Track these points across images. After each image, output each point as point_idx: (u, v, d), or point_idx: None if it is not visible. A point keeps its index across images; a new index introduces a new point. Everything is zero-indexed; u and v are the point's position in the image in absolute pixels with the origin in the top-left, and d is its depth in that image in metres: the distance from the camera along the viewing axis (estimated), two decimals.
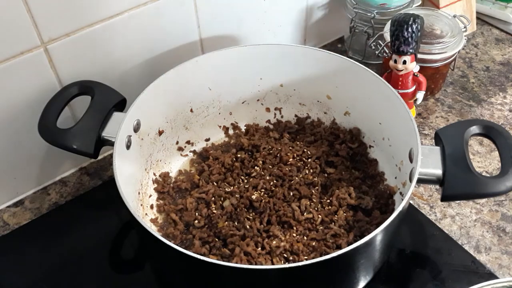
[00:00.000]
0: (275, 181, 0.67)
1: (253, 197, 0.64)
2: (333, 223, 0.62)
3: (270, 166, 0.69)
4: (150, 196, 0.68)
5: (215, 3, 0.74)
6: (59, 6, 0.61)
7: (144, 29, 0.70)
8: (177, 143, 0.74)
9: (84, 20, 0.64)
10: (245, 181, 0.68)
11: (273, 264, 0.58)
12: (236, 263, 0.57)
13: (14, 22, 0.59)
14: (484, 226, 0.67)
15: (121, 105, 0.66)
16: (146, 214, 0.66)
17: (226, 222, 0.63)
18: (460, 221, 0.68)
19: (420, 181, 0.55)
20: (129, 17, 0.67)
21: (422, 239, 0.66)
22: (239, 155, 0.71)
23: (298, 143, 0.73)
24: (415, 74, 0.75)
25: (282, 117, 0.78)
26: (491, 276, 0.62)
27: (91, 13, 0.64)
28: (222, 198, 0.65)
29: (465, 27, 0.83)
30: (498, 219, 0.68)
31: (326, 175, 0.69)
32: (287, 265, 0.51)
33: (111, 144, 0.61)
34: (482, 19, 1.01)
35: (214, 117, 0.76)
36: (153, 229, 0.50)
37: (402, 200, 0.52)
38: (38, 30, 0.61)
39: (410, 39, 0.69)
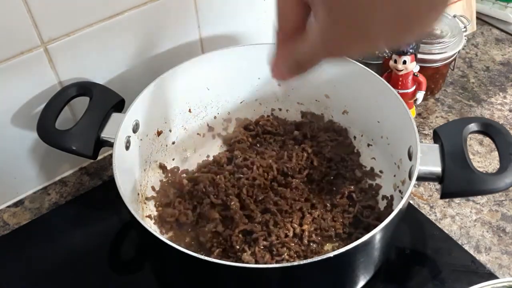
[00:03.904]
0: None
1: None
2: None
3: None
4: (149, 196, 0.68)
5: (215, 3, 0.74)
6: (59, 6, 0.61)
7: (144, 29, 0.70)
8: (173, 143, 0.74)
9: (84, 20, 0.64)
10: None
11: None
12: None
13: (14, 22, 0.59)
14: (484, 226, 0.67)
15: (119, 106, 0.66)
16: (145, 215, 0.66)
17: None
18: (460, 221, 0.68)
19: (419, 178, 0.55)
20: (129, 17, 0.67)
21: (422, 239, 0.66)
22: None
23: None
24: (415, 74, 0.75)
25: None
26: (491, 276, 0.61)
27: (91, 13, 0.64)
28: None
29: (465, 27, 0.83)
30: (498, 219, 0.68)
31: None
32: (287, 264, 0.51)
33: (110, 145, 0.61)
34: (482, 19, 1.01)
35: (212, 117, 0.76)
36: (153, 229, 0.50)
37: (402, 198, 0.52)
38: (38, 30, 0.61)
39: None
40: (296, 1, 0.33)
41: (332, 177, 0.68)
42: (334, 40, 0.31)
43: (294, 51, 0.34)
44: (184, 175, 0.71)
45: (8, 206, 0.73)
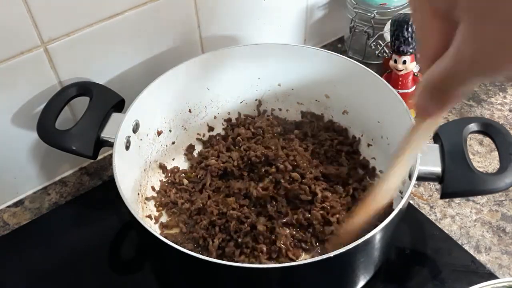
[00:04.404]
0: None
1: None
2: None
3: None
4: (149, 196, 0.68)
5: (215, 3, 0.74)
6: (59, 6, 0.61)
7: (144, 29, 0.70)
8: (173, 143, 0.74)
9: (84, 20, 0.64)
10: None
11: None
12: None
13: (14, 22, 0.59)
14: (484, 226, 0.67)
15: (119, 106, 0.66)
16: (145, 215, 0.66)
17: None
18: (460, 221, 0.68)
19: (419, 178, 0.55)
20: (129, 17, 0.67)
21: (422, 239, 0.66)
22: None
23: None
24: (415, 74, 0.75)
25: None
26: (491, 276, 0.61)
27: (91, 13, 0.64)
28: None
29: None
30: (498, 219, 0.68)
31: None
32: (287, 264, 0.51)
33: (110, 145, 0.61)
34: None
35: (212, 117, 0.76)
36: (153, 229, 0.50)
37: (402, 198, 0.52)
38: (38, 30, 0.61)
39: (410, 39, 0.69)
40: (436, 17, 0.29)
41: (335, 174, 0.68)
42: (484, 54, 0.25)
43: (435, 74, 0.29)
44: (183, 174, 0.71)
45: (8, 206, 0.73)
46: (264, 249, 0.59)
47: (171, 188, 0.69)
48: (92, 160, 0.69)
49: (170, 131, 0.72)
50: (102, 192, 0.74)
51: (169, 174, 0.71)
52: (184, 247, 0.48)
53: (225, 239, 0.61)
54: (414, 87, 0.76)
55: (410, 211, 0.68)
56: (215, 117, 0.77)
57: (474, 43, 0.26)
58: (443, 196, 0.56)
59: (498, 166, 0.55)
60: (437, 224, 0.67)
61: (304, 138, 0.73)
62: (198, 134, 0.76)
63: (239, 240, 0.60)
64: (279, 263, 0.59)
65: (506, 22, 0.24)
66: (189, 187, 0.69)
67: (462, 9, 0.26)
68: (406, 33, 0.69)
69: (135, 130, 0.64)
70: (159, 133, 0.70)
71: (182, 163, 0.74)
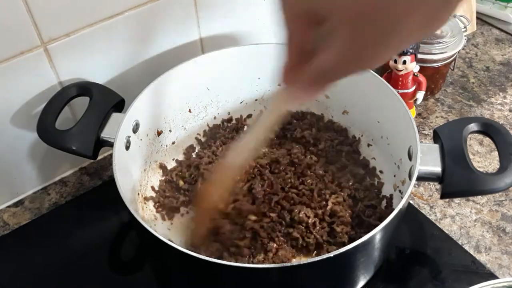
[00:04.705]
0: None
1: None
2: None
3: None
4: (149, 196, 0.68)
5: (215, 3, 0.74)
6: (59, 6, 0.61)
7: (144, 29, 0.70)
8: (173, 143, 0.74)
9: (84, 20, 0.64)
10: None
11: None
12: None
13: (14, 22, 0.59)
14: (484, 226, 0.67)
15: (119, 106, 0.66)
16: (145, 215, 0.66)
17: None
18: (460, 221, 0.68)
19: (419, 178, 0.55)
20: (129, 17, 0.67)
21: (422, 239, 0.66)
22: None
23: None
24: (415, 74, 0.75)
25: None
26: (491, 276, 0.61)
27: (91, 13, 0.64)
28: None
29: (465, 27, 0.83)
30: (498, 219, 0.68)
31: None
32: (287, 264, 0.51)
33: (110, 145, 0.61)
34: (482, 19, 1.01)
35: (212, 117, 0.76)
36: (153, 229, 0.50)
37: (402, 198, 0.52)
38: (38, 30, 0.61)
39: None
40: (304, 22, 0.34)
41: (336, 174, 0.68)
42: (358, 55, 0.32)
43: (313, 69, 0.35)
44: (179, 173, 0.71)
45: (8, 206, 0.73)
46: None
47: (169, 187, 0.69)
48: (92, 160, 0.69)
49: (170, 131, 0.72)
50: (102, 192, 0.74)
51: (167, 174, 0.71)
52: None
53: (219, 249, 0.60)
54: (413, 87, 0.76)
55: (410, 211, 0.68)
56: (215, 117, 0.77)
57: (352, 48, 0.31)
58: (443, 196, 0.56)
59: (498, 166, 0.55)
60: (437, 224, 0.67)
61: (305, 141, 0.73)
62: (198, 134, 0.76)
63: (231, 249, 0.60)
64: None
65: (379, 33, 0.30)
66: (185, 188, 0.69)
67: (337, 22, 0.31)
68: None
69: (135, 130, 0.64)
70: (159, 133, 0.70)
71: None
